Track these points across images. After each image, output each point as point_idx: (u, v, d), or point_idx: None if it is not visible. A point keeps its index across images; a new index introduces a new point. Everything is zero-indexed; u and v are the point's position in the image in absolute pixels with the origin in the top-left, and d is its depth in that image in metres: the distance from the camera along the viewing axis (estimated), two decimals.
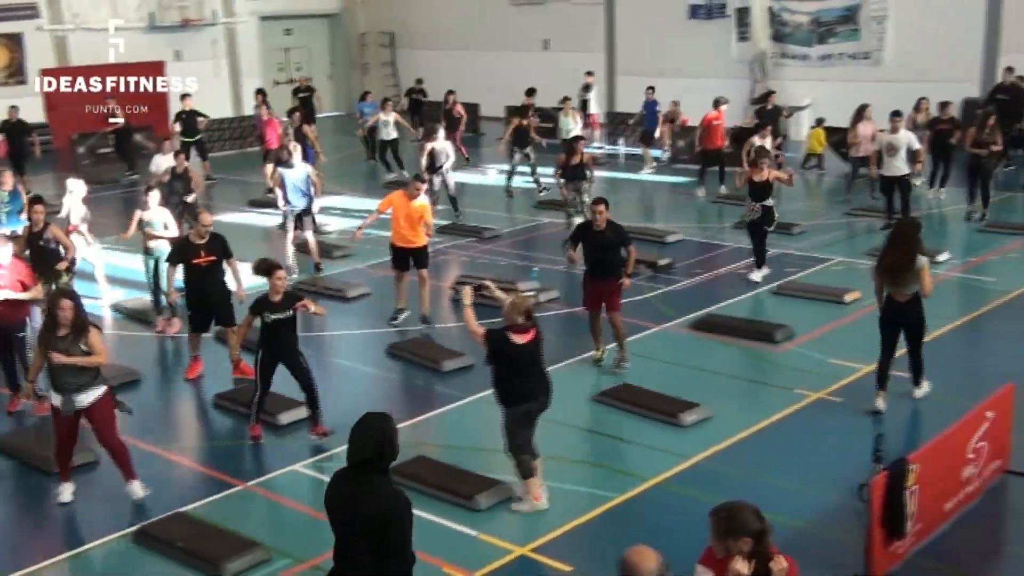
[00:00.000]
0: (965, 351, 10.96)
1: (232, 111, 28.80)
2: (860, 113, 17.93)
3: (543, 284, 13.37)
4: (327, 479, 5.22)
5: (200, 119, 21.58)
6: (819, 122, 20.91)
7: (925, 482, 6.88)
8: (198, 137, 21.67)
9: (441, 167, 17.27)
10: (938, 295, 12.07)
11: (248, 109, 28.85)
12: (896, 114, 15.98)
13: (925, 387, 9.73)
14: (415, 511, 4.92)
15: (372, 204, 18.91)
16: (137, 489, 8.15)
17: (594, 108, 25.07)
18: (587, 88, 24.10)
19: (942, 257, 14.06)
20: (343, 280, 14.21)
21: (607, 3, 28.16)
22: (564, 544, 7.41)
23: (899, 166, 15.48)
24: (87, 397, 7.87)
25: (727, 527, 4.51)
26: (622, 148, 21.15)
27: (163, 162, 16.39)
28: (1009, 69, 20.76)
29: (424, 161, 17.35)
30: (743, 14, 25.61)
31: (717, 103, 19.62)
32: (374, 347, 11.85)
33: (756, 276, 13.53)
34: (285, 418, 9.62)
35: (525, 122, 19.72)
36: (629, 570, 4.17)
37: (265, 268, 9.23)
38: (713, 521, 4.58)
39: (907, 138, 15.62)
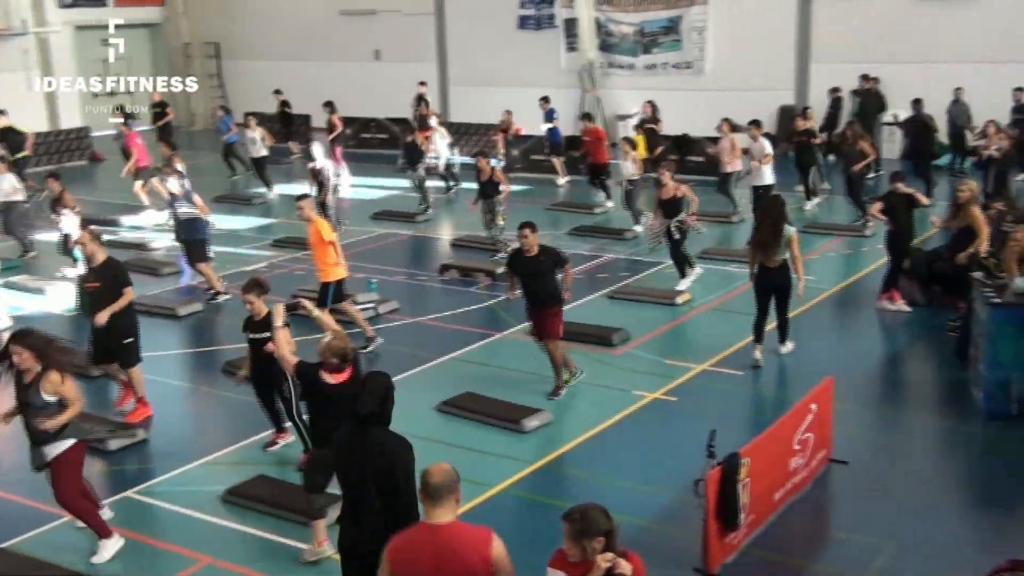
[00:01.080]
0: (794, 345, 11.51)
1: (48, 125, 27.41)
2: (734, 128, 17.74)
3: (382, 295, 13.27)
4: (160, 504, 5.03)
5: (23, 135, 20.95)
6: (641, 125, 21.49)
7: (756, 474, 7.16)
8: (24, 154, 20.74)
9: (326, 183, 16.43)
10: None
11: (65, 123, 27.61)
12: (755, 123, 16.32)
13: (789, 346, 11.06)
14: None
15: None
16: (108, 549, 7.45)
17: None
18: (420, 98, 24.10)
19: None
20: (174, 298, 13.76)
21: (438, 13, 28.25)
22: None
23: (766, 175, 15.74)
24: (52, 449, 7.17)
25: (581, 528, 4.59)
26: (458, 158, 21.24)
27: (5, 182, 15.96)
28: (865, 77, 22.00)
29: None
30: (571, 25, 26.15)
31: (590, 117, 19.99)
32: (208, 366, 11.51)
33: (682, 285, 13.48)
34: (115, 444, 9.22)
35: (420, 136, 19.49)
36: (423, 479, 4.70)
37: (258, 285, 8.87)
38: (567, 525, 4.64)
39: (766, 146, 15.92)
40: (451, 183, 20.55)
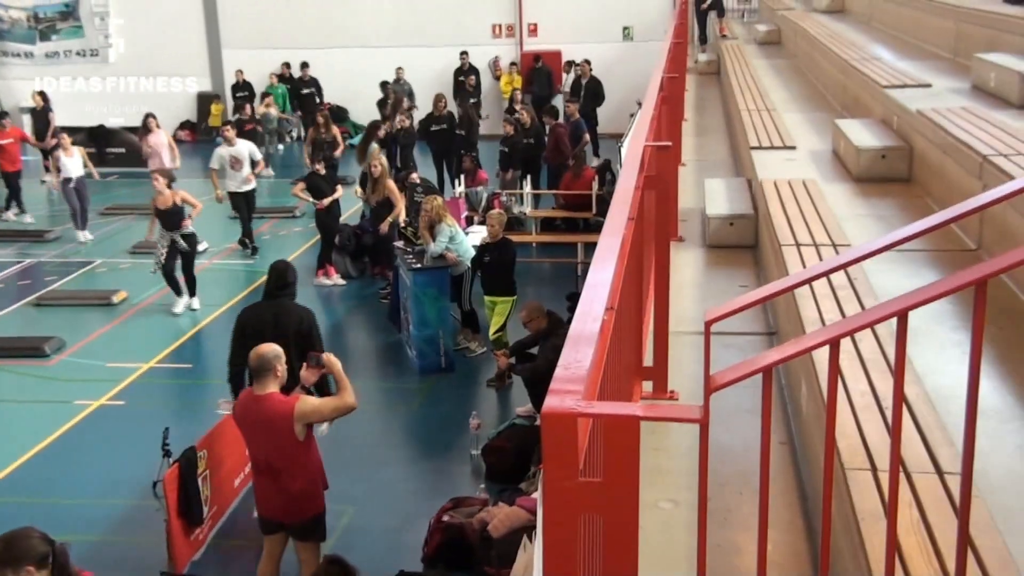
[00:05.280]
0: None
1: None
2: (146, 124, 16.14)
3: None
4: None
5: None
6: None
7: (215, 465, 7.13)
8: None
9: None
10: (206, 283, 12.49)
11: None
12: (232, 123, 15.11)
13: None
14: None
15: None
16: None
17: None
18: None
19: (201, 247, 14.50)
20: None
21: None
22: None
23: (245, 178, 14.02)
24: None
25: (3, 558, 4.13)
26: None
27: None
28: (286, 64, 22.06)
29: None
30: None
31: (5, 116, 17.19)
32: None
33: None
34: None
35: None
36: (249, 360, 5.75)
37: None
38: None
39: (248, 148, 14.24)
40: None
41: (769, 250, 5.21)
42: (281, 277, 7.30)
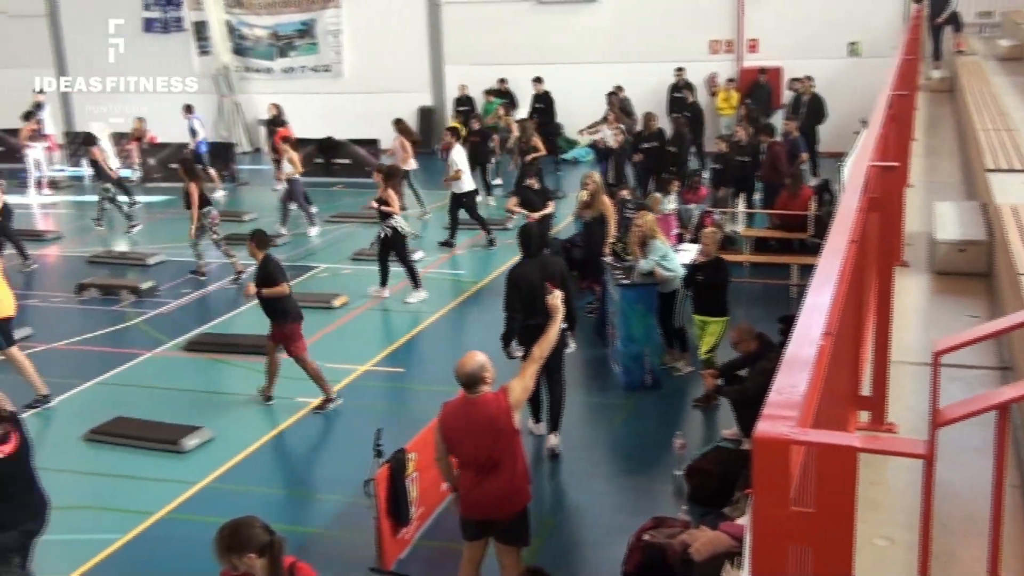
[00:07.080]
0: (449, 338, 11.85)
1: None
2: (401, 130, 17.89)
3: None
4: None
5: None
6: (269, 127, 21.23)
7: (423, 467, 7.33)
8: None
9: None
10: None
11: None
12: (452, 131, 16.16)
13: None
14: None
15: None
16: None
17: (50, 128, 23.25)
18: (39, 107, 22.29)
19: (417, 256, 15.03)
20: None
21: (51, 16, 26.27)
22: None
23: (464, 183, 15.33)
24: None
25: (228, 544, 4.41)
26: (86, 170, 19.90)
27: None
28: (502, 80, 22.78)
29: None
30: (201, 28, 25.33)
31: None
32: None
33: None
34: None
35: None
36: (458, 374, 5.76)
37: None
38: (216, 540, 4.46)
39: (459, 157, 15.44)
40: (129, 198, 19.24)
41: (1005, 279, 4.88)
42: (539, 236, 8.93)
